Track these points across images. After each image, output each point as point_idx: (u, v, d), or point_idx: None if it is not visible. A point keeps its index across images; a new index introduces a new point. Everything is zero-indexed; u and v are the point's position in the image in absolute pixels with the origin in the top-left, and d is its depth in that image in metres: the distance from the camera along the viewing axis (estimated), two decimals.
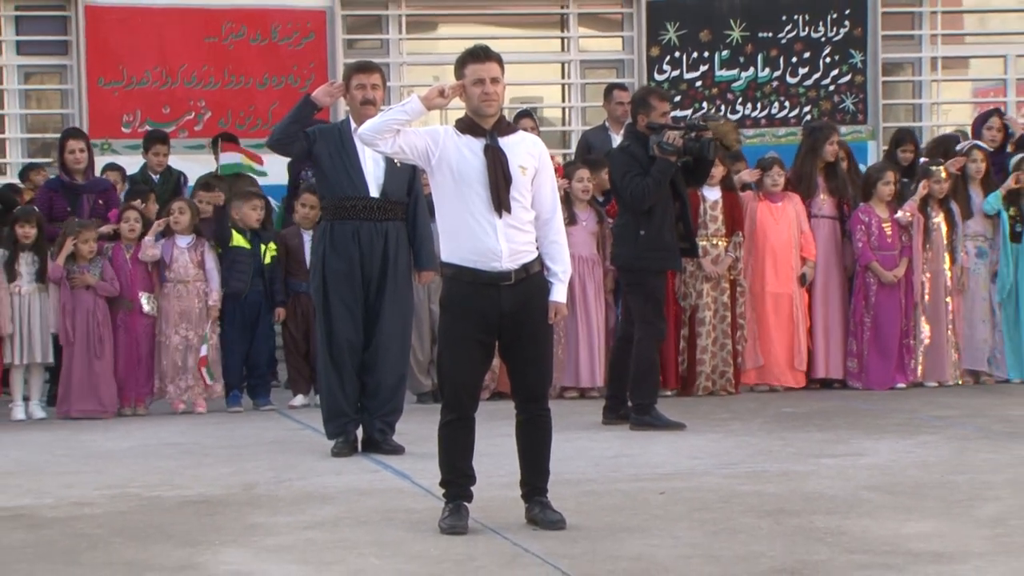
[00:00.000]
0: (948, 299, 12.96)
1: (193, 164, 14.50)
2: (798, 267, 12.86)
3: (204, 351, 12.17)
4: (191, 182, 13.83)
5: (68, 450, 10.28)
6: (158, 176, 13.80)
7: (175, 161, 14.44)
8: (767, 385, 12.80)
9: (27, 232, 11.98)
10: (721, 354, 12.62)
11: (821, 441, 9.95)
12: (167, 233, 12.29)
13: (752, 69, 16.25)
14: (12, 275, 11.95)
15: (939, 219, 12.99)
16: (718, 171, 12.49)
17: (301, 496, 8.25)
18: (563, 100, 16.71)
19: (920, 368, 12.86)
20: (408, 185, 9.83)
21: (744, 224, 12.71)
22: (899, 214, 12.84)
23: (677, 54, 16.15)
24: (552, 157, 12.86)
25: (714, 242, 12.64)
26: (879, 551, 6.62)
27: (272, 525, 7.46)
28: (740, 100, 16.23)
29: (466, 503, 7.29)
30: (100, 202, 12.71)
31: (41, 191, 12.97)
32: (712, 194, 12.67)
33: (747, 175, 13.02)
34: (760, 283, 12.80)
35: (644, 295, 10.74)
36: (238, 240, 12.39)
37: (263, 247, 12.51)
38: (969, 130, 14.75)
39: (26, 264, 12.01)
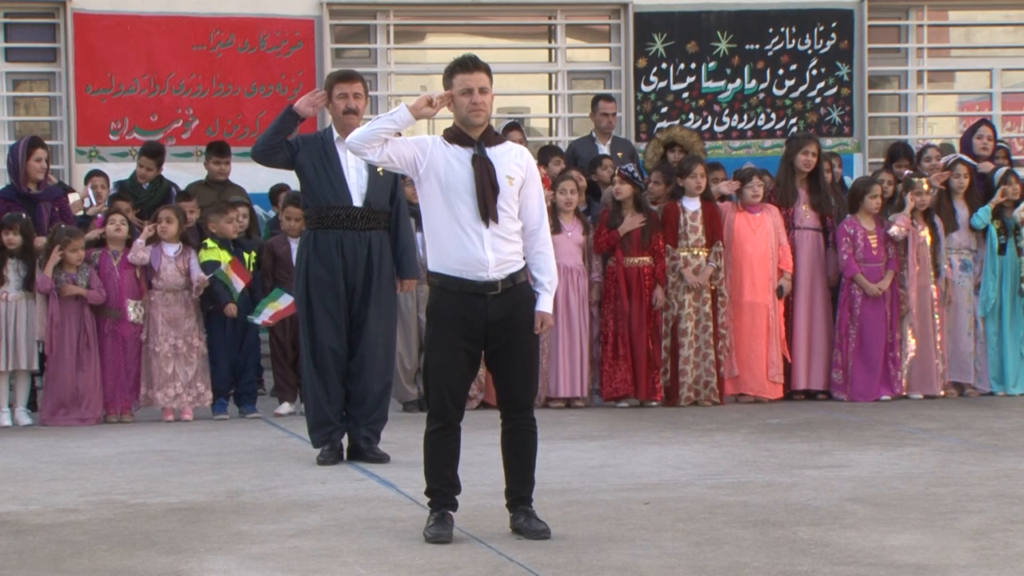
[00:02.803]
0: (935, 312, 12.99)
1: (181, 172, 14.51)
2: (775, 278, 12.89)
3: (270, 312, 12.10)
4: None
5: (54, 457, 10.27)
6: (147, 185, 13.81)
7: (164, 169, 14.44)
8: (752, 396, 12.82)
9: (11, 239, 11.97)
10: (704, 364, 12.65)
11: (805, 452, 9.97)
12: (154, 240, 12.29)
13: (739, 81, 16.29)
14: None
15: (924, 232, 13.02)
16: (695, 182, 12.63)
17: (286, 504, 8.25)
18: (550, 111, 16.73)
19: (905, 381, 12.90)
20: (391, 194, 9.85)
21: (723, 234, 12.76)
22: (893, 230, 12.83)
23: (664, 65, 16.18)
24: (540, 167, 13.00)
25: (695, 252, 12.69)
26: (863, 562, 6.64)
27: (257, 533, 7.46)
28: (726, 112, 16.26)
29: (451, 512, 7.30)
30: (56, 210, 12.69)
31: None
32: (692, 205, 12.74)
33: (725, 186, 13.06)
34: (737, 293, 12.84)
35: None
36: (225, 258, 12.36)
37: (246, 256, 12.51)
38: (956, 144, 14.78)
39: (13, 271, 12.01)
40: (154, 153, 13.90)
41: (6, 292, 11.98)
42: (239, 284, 12.29)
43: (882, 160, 14.81)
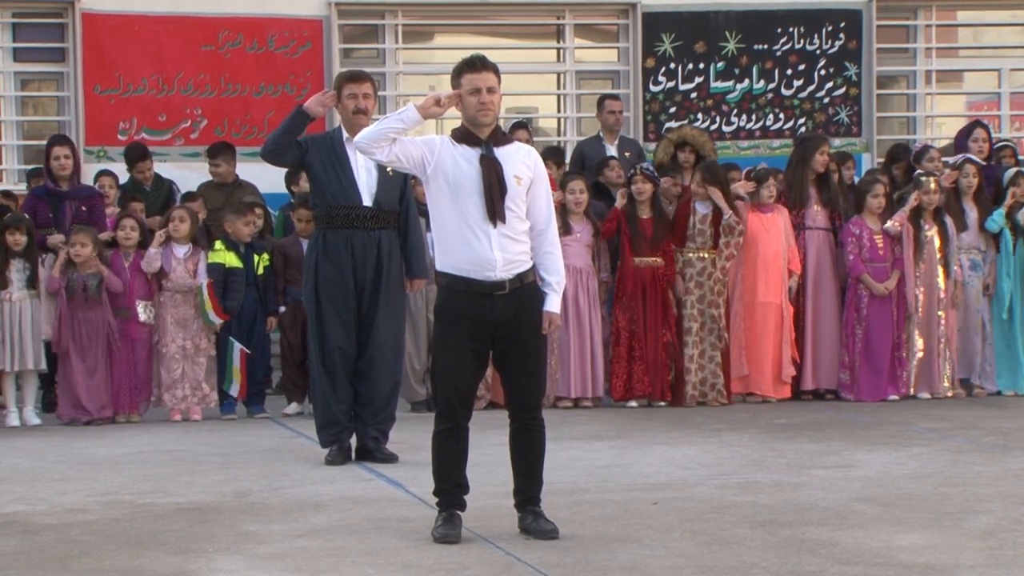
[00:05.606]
0: (941, 312, 12.98)
1: (189, 172, 14.52)
2: (787, 278, 12.89)
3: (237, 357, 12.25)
4: (184, 190, 13.84)
5: (61, 457, 10.28)
6: (150, 187, 13.80)
7: (171, 169, 14.46)
8: (760, 396, 12.82)
9: (17, 240, 11.99)
10: (710, 366, 12.64)
11: (813, 452, 9.97)
12: (165, 242, 12.28)
13: (747, 81, 16.28)
14: (3, 282, 11.95)
15: (932, 232, 13.01)
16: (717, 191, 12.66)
17: (294, 504, 8.26)
18: (558, 110, 16.73)
19: (913, 380, 12.88)
20: (400, 194, 9.85)
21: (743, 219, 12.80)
22: (888, 224, 12.87)
23: (672, 65, 16.17)
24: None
25: (701, 255, 12.69)
26: (871, 563, 6.63)
27: (265, 533, 7.47)
28: (735, 112, 16.25)
29: (459, 512, 7.30)
30: (84, 209, 12.62)
31: (27, 198, 12.96)
32: (703, 208, 12.73)
33: (741, 188, 13.04)
34: (750, 293, 12.84)
35: None
36: (230, 260, 12.36)
37: (256, 258, 12.51)
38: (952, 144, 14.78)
39: (16, 271, 12.01)
40: (143, 154, 13.89)
41: (10, 292, 11.98)
42: (215, 318, 12.23)
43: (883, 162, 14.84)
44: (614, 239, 12.78)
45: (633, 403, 12.58)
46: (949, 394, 12.96)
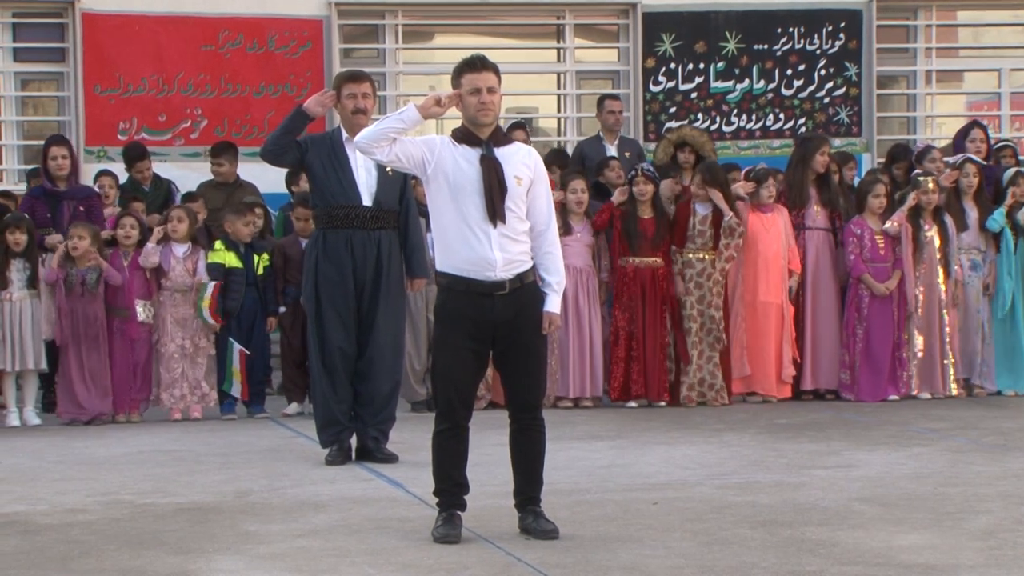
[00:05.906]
0: (944, 312, 12.97)
1: (189, 172, 14.52)
2: (787, 278, 12.89)
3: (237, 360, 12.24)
4: (184, 190, 13.84)
5: (61, 457, 10.28)
6: (148, 187, 13.80)
7: (171, 169, 14.45)
8: (760, 396, 12.82)
9: (17, 239, 11.98)
10: (708, 367, 12.64)
11: (814, 452, 9.97)
12: (164, 240, 12.28)
13: (747, 81, 16.28)
14: (3, 282, 11.95)
15: (932, 232, 13.00)
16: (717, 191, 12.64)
17: (294, 504, 8.26)
18: (558, 111, 16.73)
19: (914, 380, 12.88)
20: (400, 194, 9.85)
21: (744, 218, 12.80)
22: (887, 225, 12.87)
23: (672, 65, 16.18)
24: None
25: (700, 256, 12.69)
26: (871, 563, 6.63)
27: (265, 533, 7.47)
28: (735, 112, 16.25)
29: (459, 512, 7.30)
30: (81, 209, 12.61)
31: (24, 198, 12.97)
32: (703, 209, 12.73)
33: (741, 188, 13.04)
34: (751, 293, 12.84)
35: None
36: (230, 260, 12.36)
37: (256, 258, 12.50)
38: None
39: (17, 271, 12.01)
40: (141, 154, 13.89)
41: (10, 292, 11.98)
42: (209, 318, 12.21)
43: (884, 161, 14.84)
44: (608, 234, 12.78)
45: (633, 403, 12.58)
46: (955, 394, 12.95)
